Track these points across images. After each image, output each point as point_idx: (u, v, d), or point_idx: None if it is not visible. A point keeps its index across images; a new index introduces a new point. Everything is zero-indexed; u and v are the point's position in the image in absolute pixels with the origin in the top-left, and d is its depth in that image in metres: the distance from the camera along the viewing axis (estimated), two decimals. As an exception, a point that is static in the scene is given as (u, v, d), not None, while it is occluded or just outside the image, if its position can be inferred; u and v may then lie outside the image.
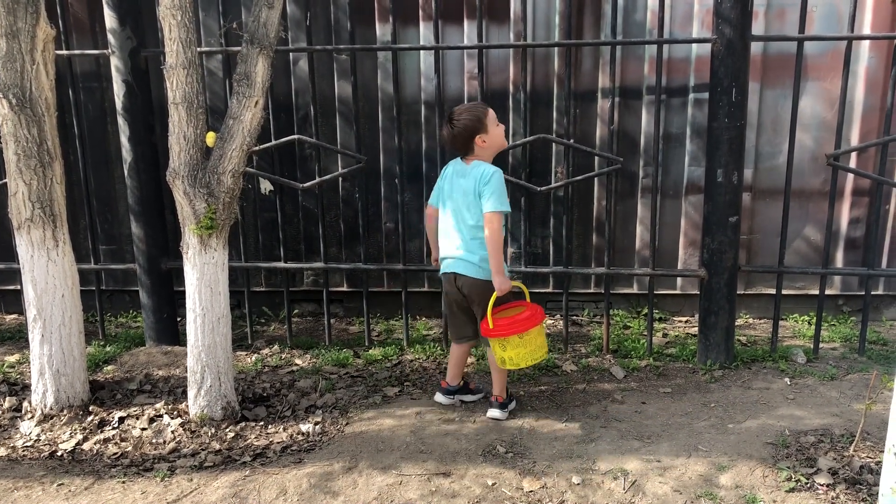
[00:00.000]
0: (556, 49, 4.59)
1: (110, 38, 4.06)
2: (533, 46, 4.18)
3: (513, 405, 3.51)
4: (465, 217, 3.27)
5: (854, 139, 4.57)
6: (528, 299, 3.41)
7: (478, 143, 3.27)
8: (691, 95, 4.61)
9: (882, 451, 2.62)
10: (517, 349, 3.23)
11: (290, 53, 4.68)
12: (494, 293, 3.19)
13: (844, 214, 4.71)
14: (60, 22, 4.19)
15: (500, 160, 4.45)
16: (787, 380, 3.82)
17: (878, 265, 4.69)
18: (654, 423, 3.35)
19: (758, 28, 4.44)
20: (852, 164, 4.53)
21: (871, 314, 4.84)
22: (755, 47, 4.38)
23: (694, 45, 4.55)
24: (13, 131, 3.18)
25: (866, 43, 4.47)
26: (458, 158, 3.38)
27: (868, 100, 4.53)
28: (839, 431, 3.17)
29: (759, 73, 4.53)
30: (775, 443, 3.10)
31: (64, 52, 4.17)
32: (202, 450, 3.12)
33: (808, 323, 4.80)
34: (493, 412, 3.44)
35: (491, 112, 3.29)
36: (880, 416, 3.23)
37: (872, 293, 4.75)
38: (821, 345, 4.29)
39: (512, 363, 3.26)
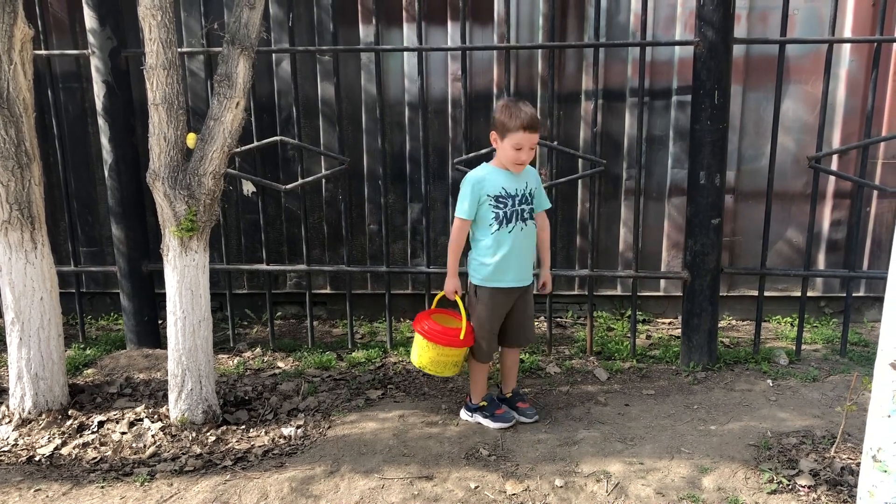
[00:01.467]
0: (539, 51, 4.59)
1: (90, 38, 4.02)
2: (517, 48, 4.17)
3: (480, 418, 3.41)
4: None
5: (836, 142, 4.60)
6: (464, 326, 3.30)
7: (491, 138, 3.20)
8: (674, 98, 4.63)
9: (862, 453, 2.63)
10: (424, 350, 3.33)
11: (273, 54, 4.66)
12: (441, 293, 3.31)
13: (826, 217, 4.74)
14: (39, 22, 4.14)
15: (484, 161, 4.44)
16: (769, 381, 3.83)
17: (859, 267, 4.72)
18: (638, 424, 3.35)
19: (740, 31, 4.46)
20: (834, 166, 4.56)
21: (853, 316, 4.87)
22: (737, 50, 4.40)
23: (677, 48, 4.56)
24: (-10, 132, 3.14)
25: (847, 46, 4.50)
26: None
27: (849, 102, 4.56)
28: (821, 433, 3.19)
29: (742, 76, 4.55)
30: (757, 444, 3.11)
31: (43, 52, 4.13)
32: (183, 454, 3.09)
33: (791, 325, 4.82)
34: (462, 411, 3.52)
35: (518, 122, 3.06)
36: (861, 417, 3.25)
37: (854, 295, 4.78)
38: (803, 346, 4.31)
39: (415, 359, 3.39)
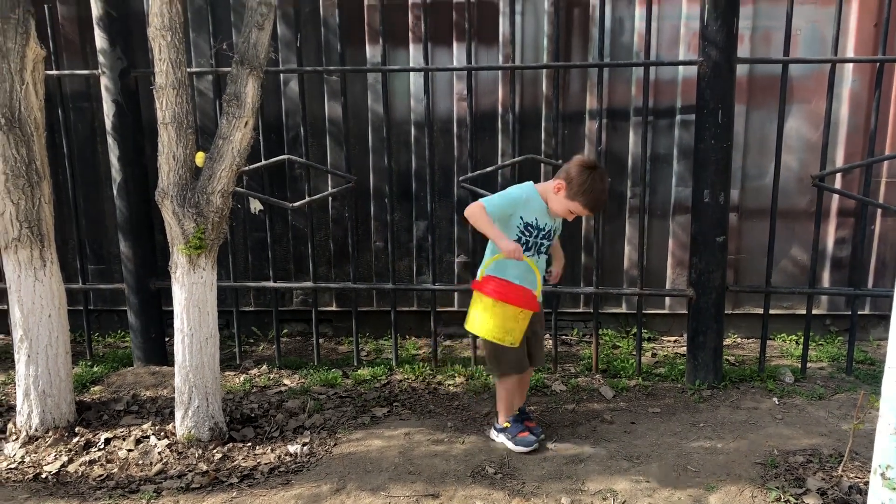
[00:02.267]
0: (544, 71, 4.63)
1: (101, 58, 4.07)
2: (521, 68, 4.21)
3: (504, 439, 3.36)
4: None
5: (839, 160, 4.62)
6: (538, 294, 3.12)
7: (554, 186, 3.09)
8: (678, 117, 4.66)
9: (870, 472, 2.63)
10: (483, 313, 3.04)
11: (281, 74, 4.70)
12: (499, 254, 3.05)
13: (830, 235, 4.75)
14: (51, 42, 4.20)
15: (489, 180, 4.48)
16: (775, 399, 3.83)
17: (864, 285, 4.72)
18: (644, 443, 3.35)
19: (743, 51, 4.49)
20: (837, 184, 4.57)
21: (859, 334, 4.87)
22: (741, 69, 4.43)
23: (680, 68, 4.60)
24: (2, 151, 3.18)
25: (850, 65, 4.53)
26: None
27: (852, 121, 4.58)
28: (828, 451, 3.18)
29: (745, 95, 4.58)
30: (764, 463, 3.10)
31: (54, 72, 4.18)
32: (189, 471, 3.09)
33: (796, 342, 4.82)
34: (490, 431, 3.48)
35: (592, 203, 3.04)
36: (868, 435, 3.24)
37: (859, 313, 4.78)
38: (808, 364, 4.31)
39: (471, 325, 3.10)
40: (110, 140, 4.14)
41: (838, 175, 4.58)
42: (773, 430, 3.44)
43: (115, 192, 4.21)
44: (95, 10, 4.01)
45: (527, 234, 3.15)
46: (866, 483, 2.83)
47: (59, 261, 3.46)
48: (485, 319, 3.04)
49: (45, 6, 4.19)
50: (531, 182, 3.23)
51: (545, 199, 3.15)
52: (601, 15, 3.91)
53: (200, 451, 3.23)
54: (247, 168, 3.96)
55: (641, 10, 4.53)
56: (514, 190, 3.16)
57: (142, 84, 4.20)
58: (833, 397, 3.86)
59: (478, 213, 3.05)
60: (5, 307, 4.38)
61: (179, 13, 3.04)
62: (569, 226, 4.81)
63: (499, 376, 3.36)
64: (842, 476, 2.93)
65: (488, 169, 4.22)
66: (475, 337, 4.40)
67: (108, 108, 4.12)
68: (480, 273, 3.17)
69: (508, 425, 3.35)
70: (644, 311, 4.66)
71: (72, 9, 4.80)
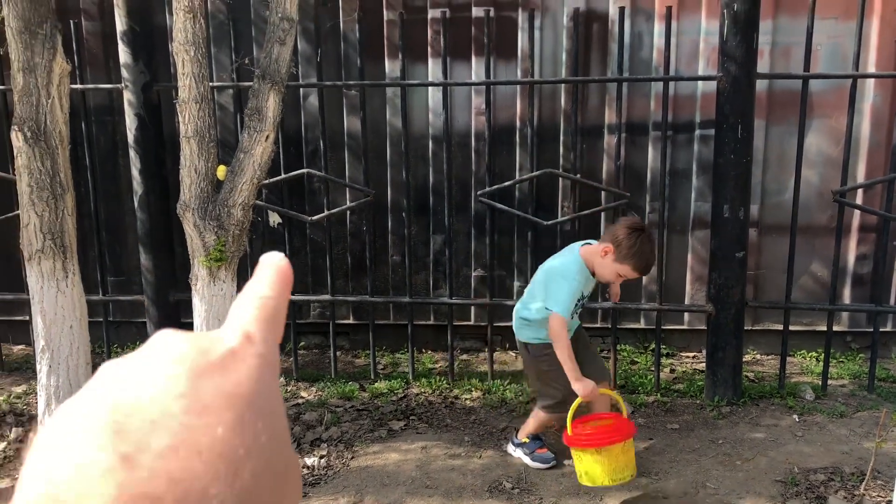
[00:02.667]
0: (562, 85, 4.64)
1: (124, 72, 4.13)
2: (540, 83, 4.23)
3: (521, 453, 3.36)
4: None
5: (860, 176, 4.58)
6: (623, 413, 3.05)
7: (602, 250, 3.03)
8: (697, 132, 4.65)
9: (893, 490, 2.60)
10: (593, 464, 2.90)
11: (301, 89, 4.75)
12: (578, 399, 2.96)
13: (851, 251, 4.71)
14: (76, 57, 4.26)
15: (507, 194, 4.48)
16: (795, 417, 3.79)
17: (885, 301, 4.67)
18: (662, 459, 3.33)
19: (763, 66, 4.48)
20: (859, 200, 4.54)
21: (880, 351, 4.81)
22: (760, 85, 4.42)
23: (700, 83, 4.59)
24: (27, 163, 3.22)
25: (871, 81, 4.51)
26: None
27: (874, 137, 4.56)
28: (849, 470, 3.14)
29: (765, 110, 4.57)
30: (784, 480, 3.07)
31: (78, 86, 4.23)
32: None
33: (816, 359, 4.77)
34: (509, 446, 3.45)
35: (641, 266, 3.02)
36: (891, 454, 3.20)
37: (881, 330, 4.72)
38: (829, 381, 4.26)
39: (588, 479, 2.94)
40: (132, 153, 4.19)
41: (860, 191, 4.55)
42: (793, 448, 3.41)
43: (136, 204, 4.26)
44: (120, 25, 4.07)
45: (576, 305, 3.10)
46: (889, 502, 2.79)
47: (80, 272, 3.50)
48: (596, 471, 2.91)
49: (71, 22, 4.26)
50: (577, 252, 3.13)
51: (591, 264, 3.07)
52: (620, 30, 3.92)
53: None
54: (267, 181, 3.99)
55: (660, 25, 4.53)
56: (571, 276, 3.02)
57: (164, 98, 4.25)
58: (855, 415, 3.82)
59: (561, 333, 2.96)
60: (27, 317, 4.43)
61: (203, 28, 3.08)
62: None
63: (541, 406, 3.29)
64: (864, 495, 2.89)
65: (506, 183, 4.23)
66: (492, 351, 4.40)
67: (130, 122, 4.17)
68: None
69: (527, 440, 3.33)
70: (663, 327, 4.64)
71: (96, 24, 4.88)
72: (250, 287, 0.39)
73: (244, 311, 0.38)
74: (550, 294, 3.04)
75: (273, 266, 0.40)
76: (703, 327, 4.35)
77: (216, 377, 0.33)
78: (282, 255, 0.41)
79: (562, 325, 2.96)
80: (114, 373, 0.33)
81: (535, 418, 3.34)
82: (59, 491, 0.29)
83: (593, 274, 3.10)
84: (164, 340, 0.35)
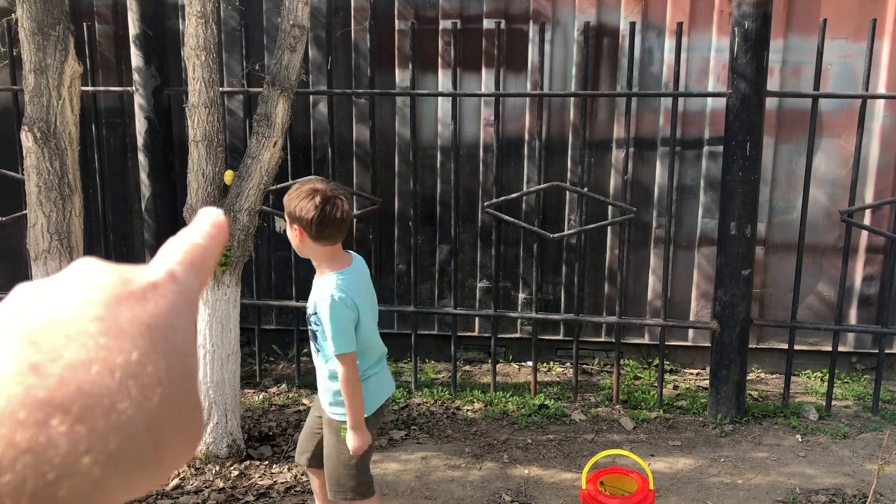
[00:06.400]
0: (572, 99, 4.65)
1: (135, 75, 4.15)
2: (549, 96, 4.23)
3: None
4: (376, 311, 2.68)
5: (868, 197, 4.57)
6: (650, 481, 2.68)
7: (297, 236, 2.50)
8: (706, 148, 4.64)
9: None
10: None
11: (311, 96, 4.76)
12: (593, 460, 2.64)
13: (858, 271, 4.69)
14: (88, 59, 4.29)
15: (514, 206, 4.49)
16: (798, 436, 3.77)
17: (892, 323, 4.64)
18: (663, 476, 3.31)
19: (773, 84, 4.48)
20: (867, 221, 4.52)
21: (885, 373, 4.78)
22: (770, 103, 4.42)
23: (709, 99, 4.59)
24: (36, 164, 3.24)
25: (881, 101, 4.50)
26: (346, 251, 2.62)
27: (883, 157, 4.54)
28: (851, 492, 3.12)
29: (774, 129, 4.56)
30: (785, 501, 3.05)
31: (89, 88, 4.26)
32: (206, 487, 3.10)
33: (821, 379, 4.74)
34: None
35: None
36: (893, 476, 3.18)
37: (886, 351, 4.70)
38: (833, 402, 4.24)
39: None
40: (141, 156, 4.21)
41: (868, 211, 4.53)
42: (795, 468, 3.38)
43: (143, 207, 4.27)
44: (132, 28, 4.09)
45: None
46: (891, 526, 2.77)
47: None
48: None
49: (85, 24, 4.29)
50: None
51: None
52: (630, 45, 3.92)
53: (218, 468, 3.24)
54: (274, 187, 4.00)
55: (671, 41, 4.53)
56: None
57: (174, 102, 4.27)
58: (858, 436, 3.80)
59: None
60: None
61: (214, 34, 3.09)
62: (593, 255, 4.80)
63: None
64: (866, 518, 2.87)
65: (513, 195, 4.23)
66: (495, 362, 4.39)
67: (140, 125, 4.19)
68: None
69: None
70: (667, 343, 4.63)
71: (109, 27, 4.90)
72: (183, 232, 0.40)
73: (173, 252, 0.38)
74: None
75: (210, 218, 0.40)
76: (708, 344, 4.33)
77: (135, 306, 0.34)
78: (221, 211, 0.42)
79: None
80: (33, 292, 0.34)
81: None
82: None
83: None
84: (86, 267, 0.36)
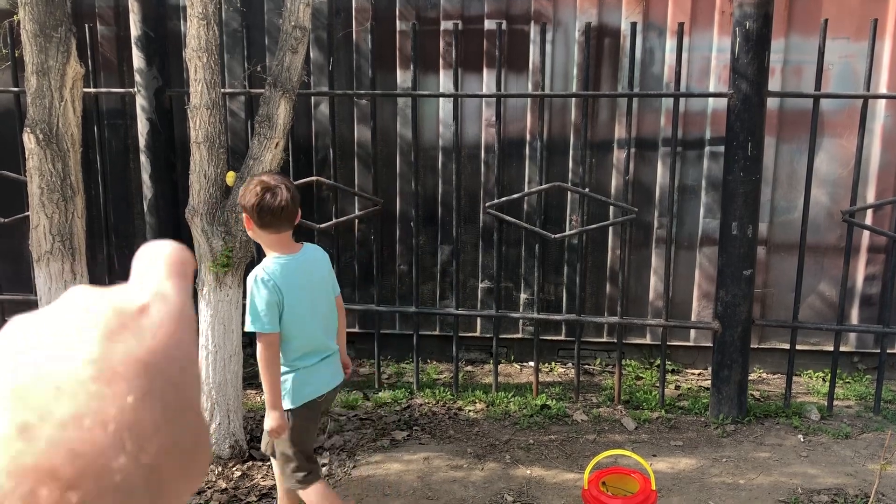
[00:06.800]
0: (573, 99, 4.65)
1: (137, 77, 4.16)
2: (551, 96, 4.23)
3: None
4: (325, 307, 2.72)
5: (870, 196, 4.57)
6: (652, 482, 2.68)
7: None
8: (707, 148, 4.64)
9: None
10: None
11: (312, 97, 4.77)
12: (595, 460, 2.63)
13: (860, 271, 4.68)
14: (90, 60, 4.29)
15: (516, 206, 4.49)
16: (800, 436, 3.77)
17: (893, 323, 4.64)
18: (665, 476, 3.31)
19: (774, 84, 4.48)
20: (868, 220, 4.52)
21: (887, 372, 4.78)
22: (771, 103, 4.42)
23: (710, 99, 4.59)
24: (38, 165, 3.24)
25: (883, 101, 4.50)
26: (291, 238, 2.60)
27: (884, 157, 4.54)
28: (853, 492, 3.12)
29: (775, 128, 4.56)
30: (787, 501, 3.05)
31: (91, 89, 4.27)
32: (208, 488, 3.10)
33: (823, 379, 4.74)
34: None
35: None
36: (895, 476, 3.18)
37: (888, 351, 4.70)
38: (835, 402, 4.24)
39: None
40: (143, 157, 4.21)
41: (869, 211, 4.53)
42: (797, 468, 3.38)
43: (145, 208, 4.28)
44: (134, 30, 4.10)
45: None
46: (893, 526, 2.77)
47: (88, 275, 3.51)
48: None
49: (87, 26, 4.30)
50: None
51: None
52: (632, 45, 3.93)
53: (220, 469, 3.25)
54: (276, 188, 4.00)
55: (672, 41, 4.53)
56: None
57: (176, 103, 4.28)
58: (860, 436, 3.80)
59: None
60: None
61: (216, 35, 3.10)
62: (594, 255, 4.80)
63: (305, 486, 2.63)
64: (868, 518, 2.87)
65: (515, 196, 4.23)
66: (497, 363, 4.39)
67: (142, 127, 4.20)
68: None
69: None
70: (668, 343, 4.63)
71: (111, 29, 4.91)
72: (149, 245, 0.38)
73: (153, 266, 0.36)
74: None
75: (166, 242, 0.38)
76: (709, 344, 4.33)
77: (130, 340, 0.32)
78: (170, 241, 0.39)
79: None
80: (25, 330, 0.32)
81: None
82: None
83: None
84: (78, 298, 0.34)
